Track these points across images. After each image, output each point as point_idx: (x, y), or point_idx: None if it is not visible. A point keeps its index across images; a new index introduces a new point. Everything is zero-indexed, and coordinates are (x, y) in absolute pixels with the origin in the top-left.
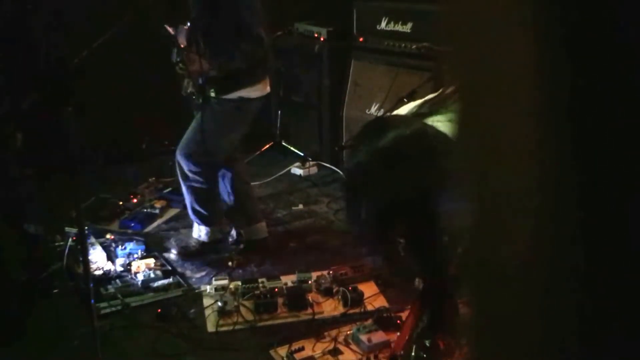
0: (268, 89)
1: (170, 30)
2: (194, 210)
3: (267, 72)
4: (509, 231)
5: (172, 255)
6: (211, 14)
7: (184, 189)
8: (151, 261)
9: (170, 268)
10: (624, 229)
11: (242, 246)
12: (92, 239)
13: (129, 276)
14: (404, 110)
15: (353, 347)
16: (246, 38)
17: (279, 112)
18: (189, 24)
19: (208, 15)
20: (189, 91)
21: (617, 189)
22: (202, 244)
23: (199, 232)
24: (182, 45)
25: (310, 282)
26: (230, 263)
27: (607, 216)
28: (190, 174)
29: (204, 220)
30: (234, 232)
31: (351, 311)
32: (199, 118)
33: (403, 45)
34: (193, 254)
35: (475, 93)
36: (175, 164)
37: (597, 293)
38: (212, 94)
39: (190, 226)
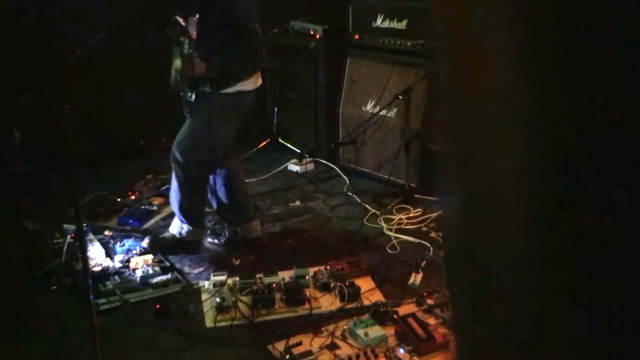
0: (260, 81)
1: (181, 21)
2: (181, 208)
3: (260, 65)
4: (495, 225)
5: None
6: (205, 15)
7: (174, 184)
8: (149, 257)
9: (168, 264)
10: (611, 219)
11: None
12: (91, 236)
13: (128, 272)
14: None
15: (350, 341)
16: (243, 36)
17: (275, 109)
18: (197, 16)
19: (202, 16)
20: (179, 85)
21: (604, 181)
22: (178, 240)
23: (180, 229)
24: (192, 37)
25: (307, 277)
26: (234, 260)
27: (594, 209)
28: (184, 171)
29: (189, 219)
30: (226, 232)
31: (348, 306)
32: (195, 115)
33: (398, 42)
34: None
35: (462, 86)
36: (171, 160)
37: (586, 289)
38: (207, 89)
39: None
